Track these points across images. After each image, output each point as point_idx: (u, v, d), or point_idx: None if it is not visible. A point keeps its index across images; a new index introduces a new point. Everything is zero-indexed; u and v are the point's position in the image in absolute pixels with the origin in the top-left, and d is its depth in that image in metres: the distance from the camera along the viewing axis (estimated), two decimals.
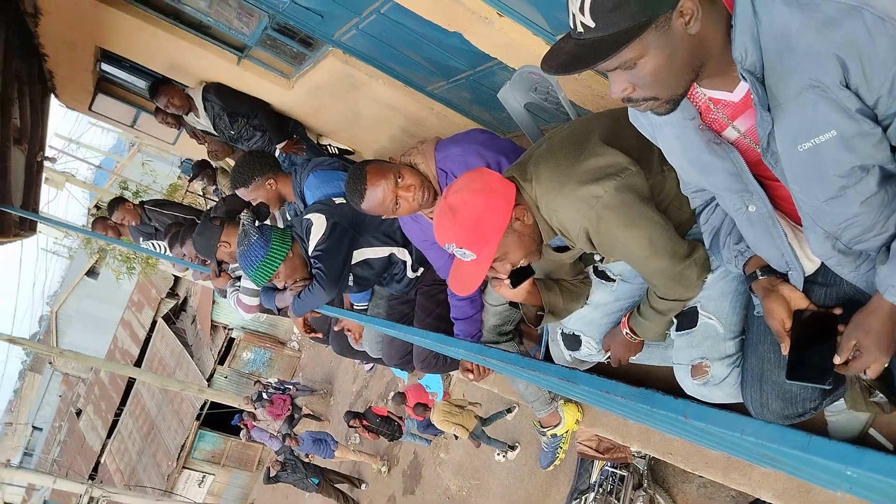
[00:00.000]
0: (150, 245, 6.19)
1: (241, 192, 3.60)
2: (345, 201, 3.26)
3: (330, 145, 5.77)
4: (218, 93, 5.09)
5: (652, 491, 5.46)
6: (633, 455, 5.42)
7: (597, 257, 2.33)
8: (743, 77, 1.31)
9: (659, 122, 1.62)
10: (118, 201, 6.15)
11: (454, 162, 2.67)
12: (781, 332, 1.64)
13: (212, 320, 19.55)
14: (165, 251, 5.91)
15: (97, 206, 16.07)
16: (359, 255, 3.26)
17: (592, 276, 2.40)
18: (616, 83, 1.33)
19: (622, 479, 5.53)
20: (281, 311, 3.75)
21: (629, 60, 1.26)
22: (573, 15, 1.22)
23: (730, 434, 1.07)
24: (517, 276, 2.15)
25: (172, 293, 22.03)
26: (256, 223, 3.22)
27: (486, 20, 3.15)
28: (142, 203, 6.34)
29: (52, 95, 6.28)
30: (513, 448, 8.05)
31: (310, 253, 3.16)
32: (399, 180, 2.61)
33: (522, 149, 2.85)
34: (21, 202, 5.70)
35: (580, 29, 1.22)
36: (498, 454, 8.22)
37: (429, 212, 2.81)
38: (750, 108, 1.42)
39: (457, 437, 8.23)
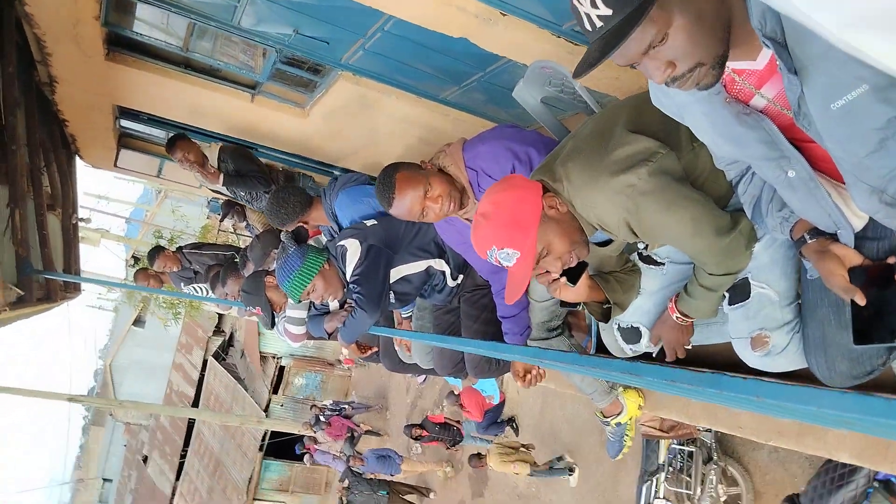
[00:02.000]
0: (192, 289, 6.30)
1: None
2: (376, 222, 3.30)
3: None
4: (232, 155, 5.25)
5: (723, 463, 5.38)
6: (699, 429, 5.36)
7: (640, 245, 2.30)
8: (765, 44, 1.29)
9: (685, 102, 1.60)
10: (157, 250, 6.29)
11: (483, 159, 2.68)
12: (848, 288, 1.59)
13: (260, 351, 19.80)
14: (208, 293, 6.02)
15: (134, 257, 16.40)
16: (396, 273, 3.29)
17: (640, 264, 2.37)
18: (654, 68, 1.32)
19: (691, 454, 5.46)
20: (331, 336, 3.80)
21: (658, 33, 1.24)
22: (586, 15, 1.21)
23: (806, 408, 1.06)
24: (572, 275, 2.10)
25: (218, 330, 22.31)
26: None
27: (489, 21, 3.15)
28: (179, 248, 6.47)
29: (78, 157, 6.43)
30: (572, 471, 7.99)
31: (348, 278, 3.20)
32: (428, 190, 2.63)
33: (550, 139, 2.83)
34: (63, 266, 5.85)
35: (599, 23, 1.21)
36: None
37: (463, 213, 2.82)
38: (775, 73, 1.40)
39: (517, 474, 8.25)
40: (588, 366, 1.65)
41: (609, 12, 1.18)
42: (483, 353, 3.15)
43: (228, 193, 5.67)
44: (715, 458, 5.40)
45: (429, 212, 2.66)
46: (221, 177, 5.25)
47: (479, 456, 9.08)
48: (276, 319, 4.08)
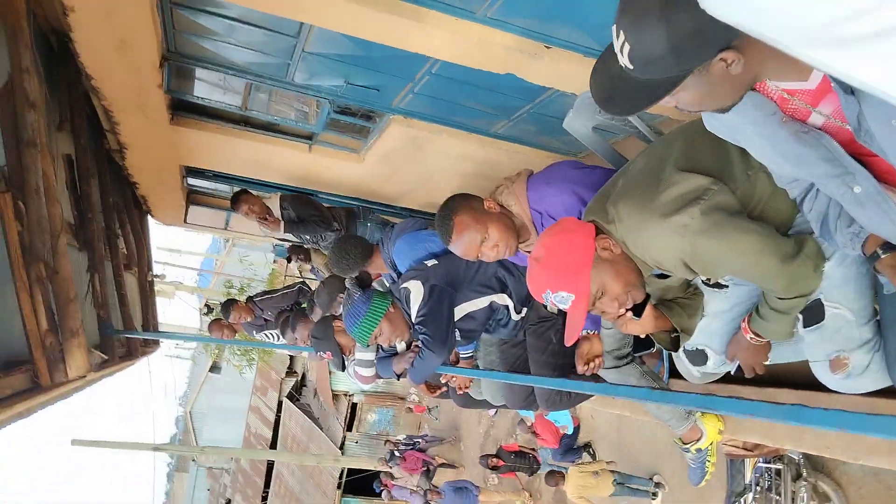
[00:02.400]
0: (264, 336, 6.47)
1: None
2: (437, 262, 3.34)
3: None
4: (292, 203, 5.44)
5: (813, 479, 5.14)
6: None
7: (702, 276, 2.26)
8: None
9: (737, 125, 1.57)
10: (231, 303, 6.51)
11: (550, 203, 2.64)
12: None
13: (332, 390, 20.02)
14: (279, 339, 6.17)
15: (207, 306, 16.89)
16: (460, 311, 3.29)
17: (703, 287, 2.32)
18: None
19: (778, 472, 5.25)
20: (400, 377, 3.84)
21: (670, 97, 1.28)
22: (616, 53, 1.23)
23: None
24: (636, 307, 2.06)
25: (291, 371, 22.69)
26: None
27: (535, 56, 3.18)
28: (250, 298, 6.67)
29: (149, 216, 6.71)
30: (655, 495, 7.74)
31: (413, 320, 3.23)
32: (484, 239, 2.63)
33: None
34: (141, 322, 6.07)
35: (621, 63, 1.24)
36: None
37: (524, 246, 2.81)
38: (830, 91, 1.37)
39: None
40: (661, 401, 1.63)
41: (630, 67, 1.20)
42: (551, 387, 3.13)
43: (295, 239, 5.83)
44: (804, 474, 5.17)
45: (483, 258, 2.69)
46: (282, 224, 5.43)
47: (555, 474, 8.90)
48: (345, 362, 4.15)
